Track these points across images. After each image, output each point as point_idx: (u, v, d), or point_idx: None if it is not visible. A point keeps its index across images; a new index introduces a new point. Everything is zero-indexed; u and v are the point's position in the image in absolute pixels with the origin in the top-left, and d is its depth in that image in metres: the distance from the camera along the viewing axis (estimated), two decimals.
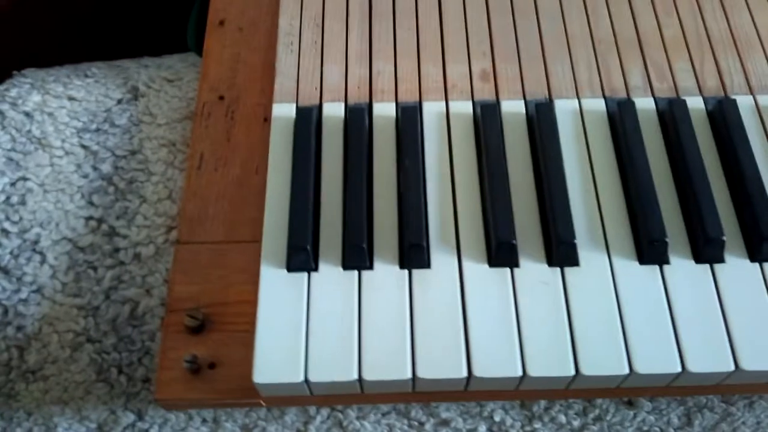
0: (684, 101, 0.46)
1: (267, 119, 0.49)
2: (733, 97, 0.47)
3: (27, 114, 0.52)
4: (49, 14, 0.69)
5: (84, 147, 0.50)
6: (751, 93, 0.47)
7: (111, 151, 0.50)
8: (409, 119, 0.45)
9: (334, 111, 0.47)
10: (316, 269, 0.41)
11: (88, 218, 0.48)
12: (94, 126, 0.51)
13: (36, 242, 0.47)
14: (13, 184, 0.49)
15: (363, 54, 0.49)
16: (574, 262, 0.41)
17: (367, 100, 0.47)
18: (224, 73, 0.51)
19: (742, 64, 0.49)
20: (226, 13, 0.54)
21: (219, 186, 0.47)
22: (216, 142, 0.49)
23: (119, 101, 0.53)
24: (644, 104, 0.47)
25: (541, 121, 0.45)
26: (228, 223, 0.46)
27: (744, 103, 0.47)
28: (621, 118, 0.45)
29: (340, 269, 0.41)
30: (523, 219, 0.42)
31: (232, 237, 0.46)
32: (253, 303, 0.43)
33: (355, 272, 0.41)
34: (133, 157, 0.50)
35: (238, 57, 0.52)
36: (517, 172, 0.44)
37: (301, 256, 0.41)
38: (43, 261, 0.47)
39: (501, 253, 0.41)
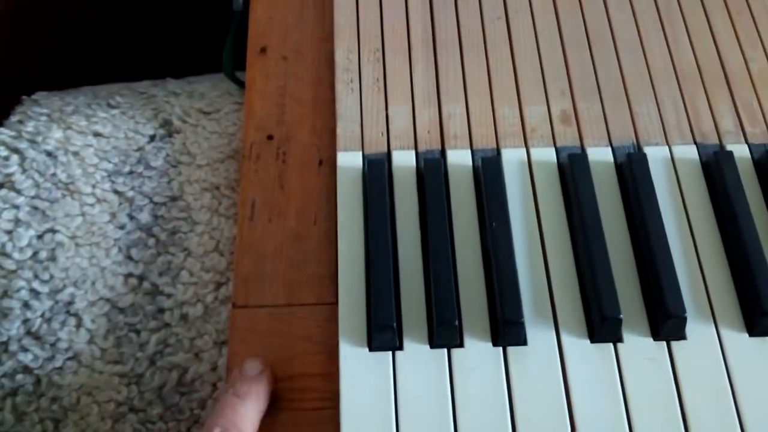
0: None
1: (322, 162, 0.45)
2: None
3: (49, 154, 0.46)
4: (54, 23, 0.63)
5: (117, 193, 0.45)
6: None
7: (148, 197, 0.45)
8: (491, 173, 0.40)
9: (404, 160, 0.42)
10: (400, 347, 0.37)
11: (128, 275, 0.43)
12: (126, 168, 0.46)
13: (70, 303, 0.42)
14: (40, 237, 0.44)
15: (430, 92, 0.45)
16: (682, 335, 0.38)
17: (439, 147, 0.43)
18: (271, 109, 0.47)
19: None
20: (267, 39, 0.49)
21: (275, 239, 0.43)
22: (268, 188, 0.44)
23: (152, 138, 0.47)
24: (738, 152, 0.43)
25: (636, 175, 0.41)
26: (288, 283, 0.41)
27: None
28: (719, 171, 0.41)
29: (427, 347, 0.37)
30: (624, 286, 0.38)
31: (294, 299, 0.41)
32: (322, 376, 0.39)
33: (444, 350, 0.37)
34: (173, 204, 0.45)
35: (284, 90, 0.47)
36: (612, 230, 0.40)
37: (386, 335, 0.36)
38: (79, 325, 0.42)
39: (606, 329, 0.37)
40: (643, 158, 0.41)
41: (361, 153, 0.42)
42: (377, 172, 0.41)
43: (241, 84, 0.51)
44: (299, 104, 0.47)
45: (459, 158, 0.42)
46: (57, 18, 0.64)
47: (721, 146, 0.43)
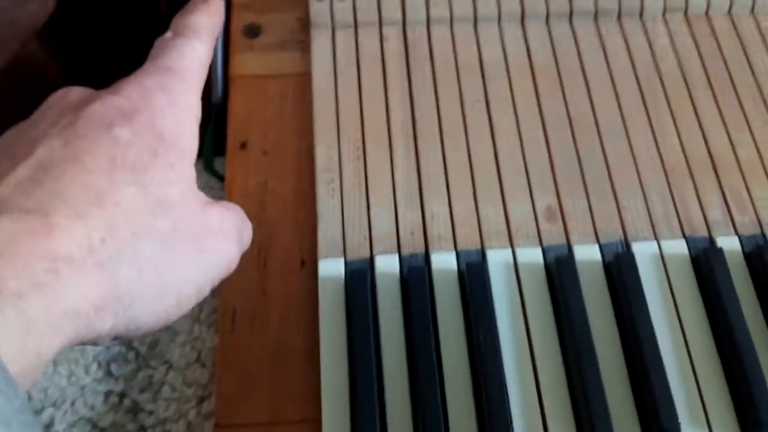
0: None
1: (304, 262, 0.44)
2: None
3: None
4: None
5: None
6: None
7: None
8: (476, 279, 0.39)
9: (388, 266, 0.41)
10: None
11: (108, 393, 0.42)
12: None
13: (50, 426, 0.41)
14: None
15: (413, 192, 0.44)
16: None
17: (423, 250, 0.42)
18: (252, 208, 0.45)
19: None
20: (247, 134, 0.48)
21: (257, 351, 0.41)
22: (249, 296, 0.43)
23: None
24: (728, 244, 0.42)
25: (625, 280, 0.40)
26: (271, 399, 0.40)
27: None
28: (710, 270, 0.40)
29: None
30: (615, 397, 0.37)
31: (278, 416, 0.40)
32: None
33: None
34: None
35: (265, 187, 0.46)
36: (602, 337, 0.39)
37: None
38: None
39: None
40: (632, 260, 0.40)
41: (343, 259, 0.41)
42: (359, 283, 0.40)
43: (221, 178, 0.50)
44: (280, 201, 0.46)
45: (444, 262, 0.41)
46: None
47: (711, 239, 0.43)
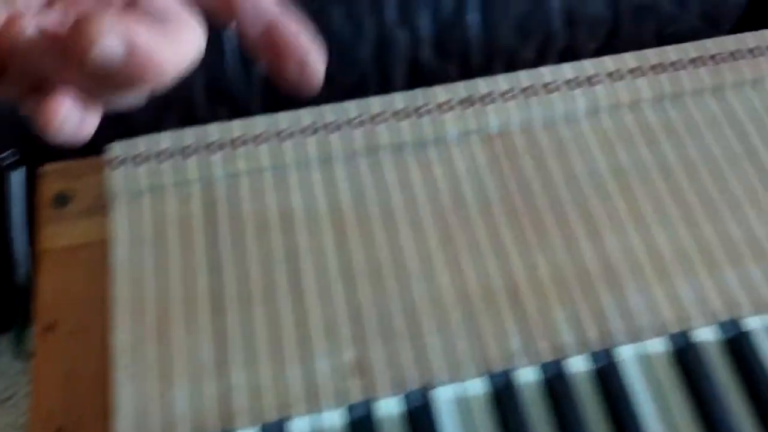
0: (564, 372, 0.43)
1: None
2: (616, 348, 0.44)
3: None
4: None
5: None
6: (635, 340, 0.45)
7: None
8: None
9: None
10: None
11: None
12: None
13: None
14: None
15: (215, 364, 0.44)
16: None
17: (228, 426, 0.42)
18: (57, 395, 0.45)
19: (622, 303, 0.46)
20: (55, 314, 0.48)
21: None
22: None
23: None
24: (527, 376, 0.43)
25: (425, 426, 0.41)
26: None
27: (626, 354, 0.44)
28: (508, 405, 0.41)
29: None
30: None
31: None
32: None
33: None
34: None
35: (71, 372, 0.46)
36: None
37: None
38: None
39: None
40: (432, 409, 0.41)
41: None
42: None
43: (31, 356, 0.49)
44: (88, 386, 0.45)
45: None
46: None
47: (511, 372, 0.44)
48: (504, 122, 0.53)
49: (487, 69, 0.60)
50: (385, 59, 0.58)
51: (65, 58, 0.23)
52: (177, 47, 0.25)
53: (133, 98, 0.26)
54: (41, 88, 0.25)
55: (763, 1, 0.68)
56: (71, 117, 0.25)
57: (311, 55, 0.30)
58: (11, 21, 0.24)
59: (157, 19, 0.25)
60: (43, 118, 0.25)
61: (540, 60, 0.61)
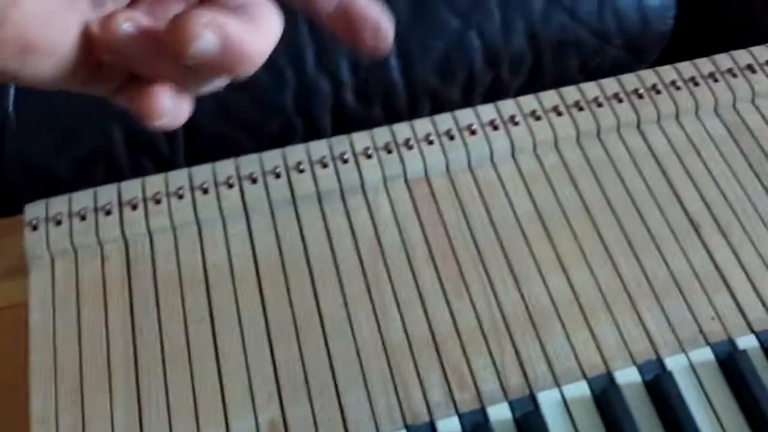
0: (487, 420, 0.43)
1: None
2: (538, 394, 0.44)
3: None
4: None
5: None
6: (556, 384, 0.45)
7: None
8: None
9: None
10: None
11: None
12: None
13: None
14: None
15: (131, 430, 0.43)
16: None
17: None
18: None
19: (543, 348, 0.46)
20: None
21: None
22: None
23: None
24: (449, 427, 0.43)
25: None
26: None
27: (549, 400, 0.44)
28: None
29: None
30: None
31: None
32: None
33: None
34: None
35: None
36: None
37: None
38: None
39: None
40: None
41: None
42: None
43: None
44: None
45: None
46: None
47: (432, 424, 0.43)
48: (425, 167, 0.53)
49: (412, 111, 0.60)
50: (308, 107, 0.58)
51: (162, 53, 0.25)
52: (262, 35, 0.26)
53: (219, 84, 0.28)
54: (132, 81, 0.27)
55: (686, 31, 0.69)
56: (169, 107, 0.27)
57: (383, 21, 0.30)
58: (106, 20, 0.26)
59: (239, 7, 0.26)
60: (144, 110, 0.27)
61: (465, 100, 0.62)
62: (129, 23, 0.26)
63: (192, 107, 0.28)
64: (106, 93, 0.29)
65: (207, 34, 0.24)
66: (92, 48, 0.26)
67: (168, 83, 0.27)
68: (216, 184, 0.51)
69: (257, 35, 0.26)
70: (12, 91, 0.57)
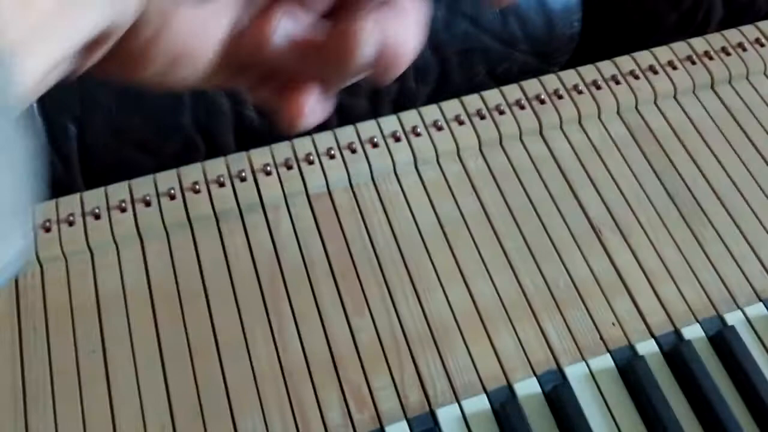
0: None
1: None
2: (438, 410, 0.44)
3: None
4: None
5: None
6: (457, 400, 0.44)
7: None
8: None
9: None
10: None
11: None
12: None
13: None
14: None
15: None
16: None
17: None
18: None
19: (443, 362, 0.46)
20: None
21: None
22: None
23: None
24: None
25: None
26: None
27: (448, 416, 0.44)
28: None
29: None
30: None
31: None
32: None
33: None
34: None
35: None
36: None
37: None
38: None
39: None
40: None
41: None
42: None
43: None
44: None
45: None
46: None
47: None
48: (326, 181, 0.52)
49: (320, 124, 0.59)
50: (209, 124, 0.57)
51: (321, 60, 0.25)
52: (412, 32, 0.26)
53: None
54: (271, 79, 0.26)
55: (596, 32, 0.69)
56: (314, 109, 0.27)
57: None
58: (259, 24, 0.25)
59: (387, 4, 0.26)
60: (292, 112, 0.26)
61: (373, 111, 0.61)
62: (281, 31, 0.25)
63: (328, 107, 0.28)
64: (244, 88, 0.28)
65: (371, 44, 0.24)
66: (241, 50, 0.25)
67: (315, 82, 0.26)
68: (108, 209, 0.50)
69: (407, 34, 0.25)
70: None
